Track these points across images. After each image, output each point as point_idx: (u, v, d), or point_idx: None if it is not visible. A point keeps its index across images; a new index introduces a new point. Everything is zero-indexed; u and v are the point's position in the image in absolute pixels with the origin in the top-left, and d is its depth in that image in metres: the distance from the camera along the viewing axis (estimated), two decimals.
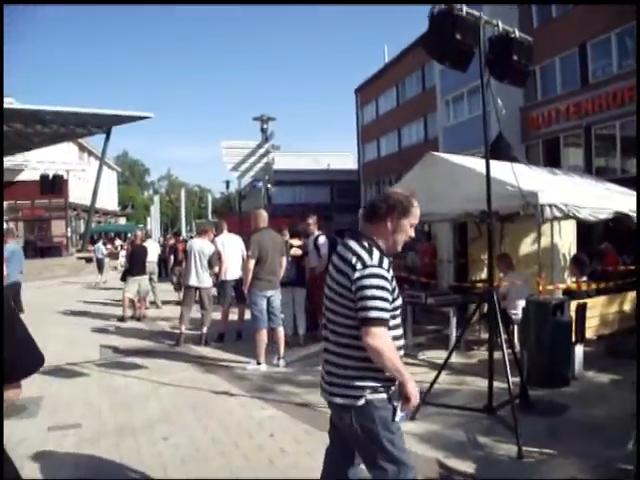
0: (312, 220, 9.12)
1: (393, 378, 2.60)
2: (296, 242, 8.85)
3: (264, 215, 7.48)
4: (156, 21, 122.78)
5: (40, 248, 27.07)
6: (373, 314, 2.48)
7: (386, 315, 2.53)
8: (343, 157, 52.59)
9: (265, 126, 16.89)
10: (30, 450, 4.51)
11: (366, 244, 2.64)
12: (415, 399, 2.61)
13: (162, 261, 16.25)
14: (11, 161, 29.79)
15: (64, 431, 5.05)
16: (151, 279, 13.80)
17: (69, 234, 32.37)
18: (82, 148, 46.74)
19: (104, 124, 27.41)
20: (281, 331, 7.41)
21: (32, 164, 29.65)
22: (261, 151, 16.28)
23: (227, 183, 41.27)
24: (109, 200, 61.13)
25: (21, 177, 30.99)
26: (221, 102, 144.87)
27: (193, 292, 9.16)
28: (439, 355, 6.97)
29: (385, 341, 2.50)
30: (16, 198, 30.26)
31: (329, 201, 46.50)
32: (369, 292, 2.50)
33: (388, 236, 2.70)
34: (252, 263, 7.09)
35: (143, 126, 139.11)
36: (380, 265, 2.56)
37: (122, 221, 61.29)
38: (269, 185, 16.69)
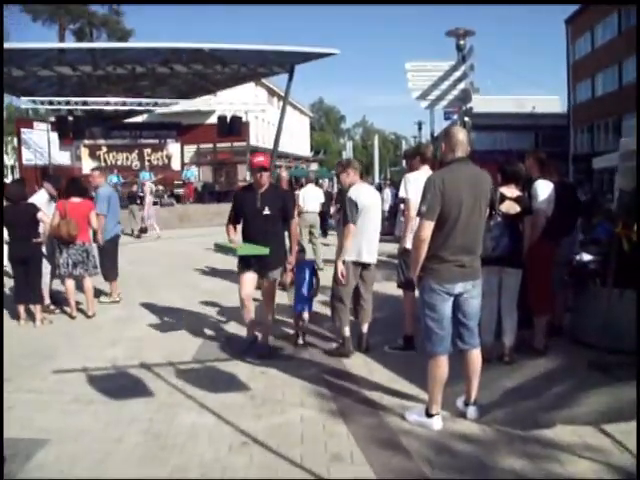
0: (532, 159, 5.82)
1: None
2: (510, 192, 5.32)
3: (459, 139, 3.98)
4: None
5: (218, 193, 25.92)
6: None
7: None
8: (549, 101, 46.42)
9: (462, 42, 13.21)
10: None
11: None
12: None
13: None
14: (194, 106, 29.17)
15: None
16: (311, 233, 11.23)
17: (248, 178, 31.28)
18: (271, 92, 46.06)
19: (287, 62, 25.43)
20: (476, 356, 4.14)
21: (215, 107, 28.72)
22: (457, 74, 12.71)
23: (419, 124, 37.81)
24: (302, 145, 60.91)
25: (210, 121, 30.33)
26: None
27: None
28: None
29: None
30: (199, 142, 29.59)
31: (533, 147, 41.00)
32: None
33: None
34: (427, 228, 3.79)
35: (341, 75, 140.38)
36: None
37: (314, 166, 60.51)
38: (466, 118, 13.23)
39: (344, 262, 5.57)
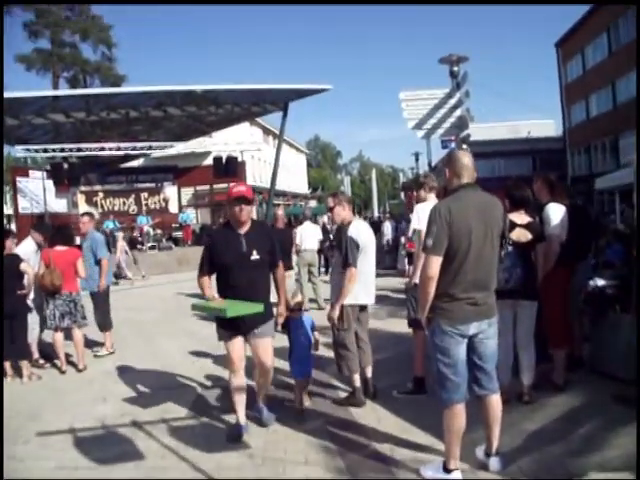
0: (540, 182, 5.54)
1: None
2: (520, 218, 5.00)
3: (464, 163, 3.69)
4: None
5: None
6: None
7: None
8: (544, 125, 46.49)
9: (455, 68, 13.00)
10: None
11: None
12: None
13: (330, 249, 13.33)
14: (189, 148, 29.14)
15: None
16: (310, 272, 10.88)
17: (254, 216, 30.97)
18: (267, 131, 46.20)
19: (280, 100, 25.45)
20: (496, 402, 3.72)
21: (210, 148, 28.68)
22: (452, 101, 12.47)
23: (416, 155, 37.73)
24: (299, 183, 60.93)
25: (206, 162, 30.28)
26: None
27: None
28: None
29: None
30: (196, 184, 29.53)
31: (531, 172, 40.89)
32: None
33: None
34: (434, 264, 3.45)
35: (335, 111, 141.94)
36: None
37: (313, 203, 60.42)
38: (464, 146, 12.97)
39: (342, 306, 5.18)
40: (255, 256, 4.50)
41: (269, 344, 4.72)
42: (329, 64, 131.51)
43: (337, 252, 5.38)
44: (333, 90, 24.86)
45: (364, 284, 5.27)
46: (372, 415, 4.96)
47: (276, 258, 4.75)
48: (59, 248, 7.26)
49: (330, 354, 6.95)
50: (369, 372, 5.51)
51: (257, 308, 4.33)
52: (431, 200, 5.18)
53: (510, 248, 4.72)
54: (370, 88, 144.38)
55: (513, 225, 4.78)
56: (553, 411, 4.76)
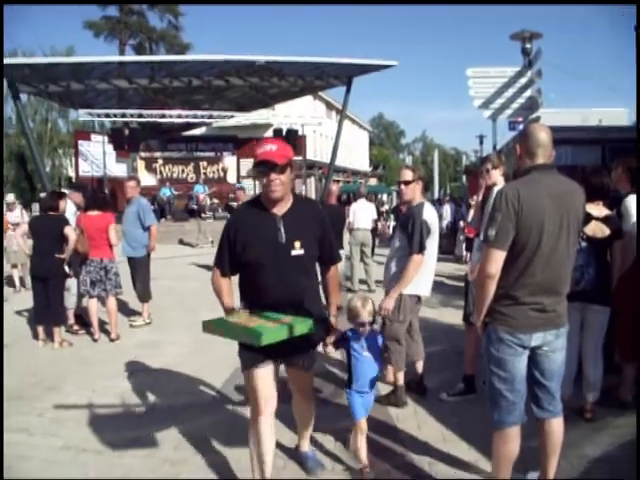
0: (621, 169, 4.76)
1: None
2: (598, 210, 4.29)
3: (539, 139, 2.99)
4: None
5: None
6: None
7: None
8: (616, 114, 44.05)
9: (528, 45, 12.13)
10: None
11: None
12: None
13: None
14: (250, 119, 28.83)
15: None
16: (363, 252, 10.36)
17: (303, 192, 30.69)
18: (330, 106, 45.52)
19: (344, 74, 24.81)
20: (557, 427, 3.08)
21: (271, 120, 28.34)
22: (523, 80, 11.66)
23: (480, 138, 36.18)
24: (360, 160, 60.16)
25: (267, 134, 29.95)
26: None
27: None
28: None
29: None
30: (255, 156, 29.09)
31: (600, 162, 38.86)
32: None
33: None
34: (496, 260, 2.84)
35: (400, 90, 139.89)
36: None
37: (373, 182, 59.61)
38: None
39: (400, 296, 4.59)
40: (298, 251, 3.11)
41: (311, 381, 3.60)
42: (396, 42, 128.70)
43: (401, 234, 4.69)
44: (399, 68, 24.12)
45: (427, 273, 4.70)
46: (413, 419, 4.42)
47: (331, 253, 3.37)
48: (92, 213, 6.98)
49: None
50: (420, 367, 4.98)
51: (303, 327, 2.97)
52: (500, 185, 4.55)
53: (584, 244, 4.09)
54: (437, 68, 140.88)
55: (589, 217, 4.10)
56: (618, 432, 4.09)
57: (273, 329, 2.85)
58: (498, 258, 2.83)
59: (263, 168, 3.02)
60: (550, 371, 3.00)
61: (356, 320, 3.48)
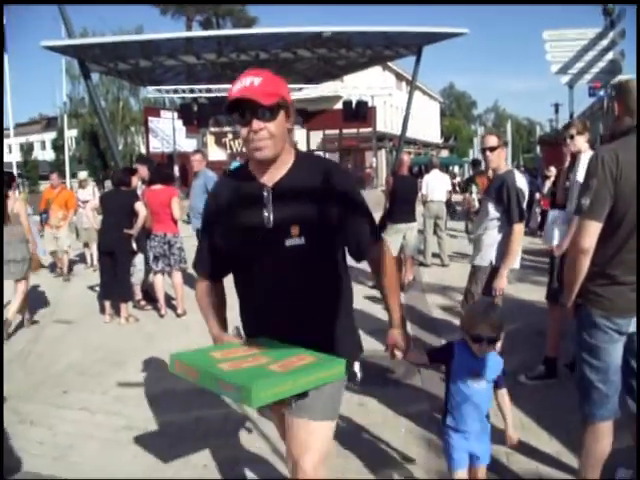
0: None
1: None
2: None
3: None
4: None
5: None
6: None
7: None
8: None
9: (610, 6, 11.20)
10: None
11: None
12: None
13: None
14: (319, 92, 28.54)
15: None
16: (436, 224, 9.95)
17: (374, 164, 30.20)
18: (400, 77, 44.50)
19: (414, 43, 24.11)
20: None
21: (340, 92, 27.92)
22: (604, 42, 10.75)
23: (556, 107, 34.54)
24: (431, 132, 58.89)
25: (336, 107, 29.68)
26: None
27: None
28: None
29: None
30: (325, 128, 29.17)
31: None
32: None
33: None
34: (591, 232, 2.41)
35: (472, 59, 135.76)
36: None
37: (444, 153, 58.25)
38: (613, 93, 11.31)
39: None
40: (294, 239, 1.99)
41: (329, 431, 2.10)
42: (465, 8, 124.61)
43: (495, 204, 4.28)
44: (470, 37, 23.27)
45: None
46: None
47: (363, 243, 2.12)
48: (155, 187, 6.89)
49: (447, 317, 6.20)
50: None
51: (327, 374, 1.87)
52: (587, 152, 4.11)
53: None
54: (510, 35, 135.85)
55: None
56: None
57: (275, 378, 1.72)
58: (593, 231, 2.42)
59: (242, 113, 1.92)
60: None
61: (470, 332, 2.56)
